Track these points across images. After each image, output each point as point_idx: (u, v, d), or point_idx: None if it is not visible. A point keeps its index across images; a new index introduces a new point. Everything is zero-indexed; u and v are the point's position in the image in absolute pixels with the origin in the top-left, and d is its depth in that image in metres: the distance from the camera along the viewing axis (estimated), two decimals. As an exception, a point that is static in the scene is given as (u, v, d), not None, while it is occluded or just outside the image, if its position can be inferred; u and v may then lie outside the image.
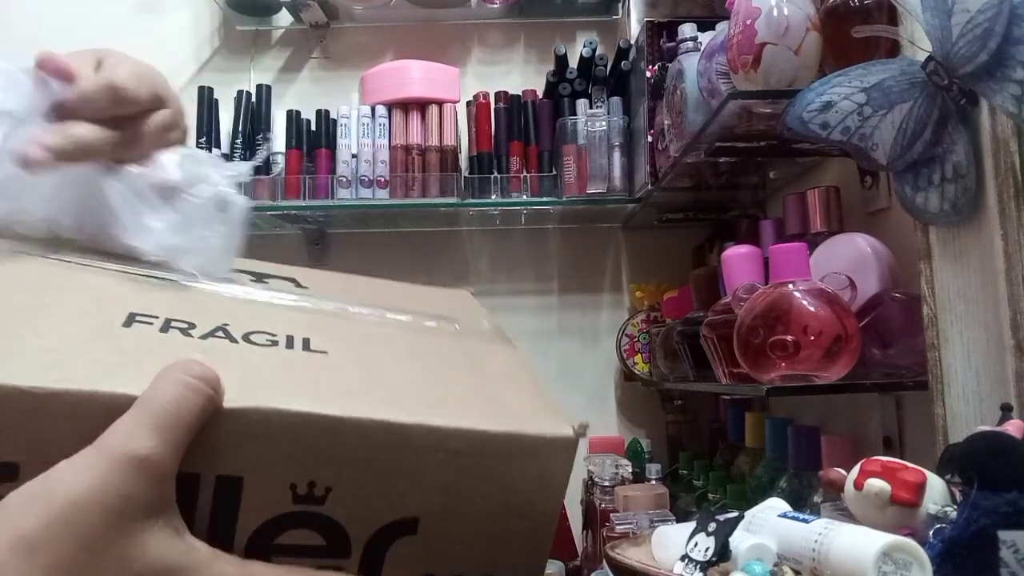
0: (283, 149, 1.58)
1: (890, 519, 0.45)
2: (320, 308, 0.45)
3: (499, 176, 1.56)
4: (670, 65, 1.21)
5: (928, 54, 0.66)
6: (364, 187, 1.54)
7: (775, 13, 0.85)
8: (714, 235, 1.57)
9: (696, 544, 0.49)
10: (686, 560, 0.49)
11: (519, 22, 1.77)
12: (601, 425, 1.67)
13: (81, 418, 0.29)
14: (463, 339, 0.47)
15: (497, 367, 0.44)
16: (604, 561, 0.64)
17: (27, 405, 0.29)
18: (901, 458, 0.48)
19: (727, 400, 1.43)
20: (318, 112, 1.59)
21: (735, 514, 0.50)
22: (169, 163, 0.44)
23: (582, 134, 1.51)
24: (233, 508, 0.32)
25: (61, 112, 0.41)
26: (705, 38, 1.11)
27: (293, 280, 0.48)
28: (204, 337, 0.37)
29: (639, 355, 1.60)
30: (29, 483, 0.29)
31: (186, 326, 0.37)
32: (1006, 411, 0.53)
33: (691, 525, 0.51)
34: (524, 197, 1.56)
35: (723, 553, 0.47)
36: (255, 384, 0.33)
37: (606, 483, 1.22)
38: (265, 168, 1.56)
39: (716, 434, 1.52)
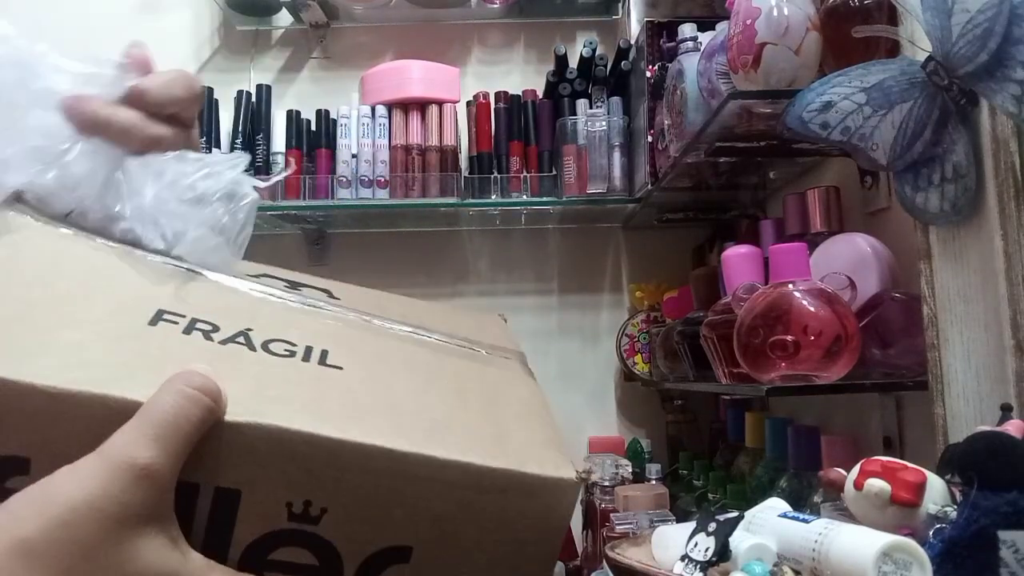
0: (283, 149, 1.58)
1: (890, 519, 0.45)
2: (347, 319, 0.45)
3: (499, 176, 1.56)
4: (670, 65, 1.21)
5: (928, 54, 0.66)
6: (364, 187, 1.54)
7: (775, 13, 0.85)
8: (714, 235, 1.57)
9: (696, 544, 0.49)
10: (686, 560, 0.49)
11: (519, 22, 1.77)
12: (601, 425, 1.67)
13: (92, 420, 0.30)
14: (485, 365, 0.47)
15: (512, 399, 0.44)
16: (604, 561, 0.63)
17: (41, 403, 0.29)
18: (901, 458, 0.48)
19: (727, 400, 1.43)
20: (318, 112, 1.60)
21: (735, 514, 0.50)
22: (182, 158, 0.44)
23: (582, 134, 1.51)
24: (230, 521, 0.32)
25: (128, 99, 0.44)
26: (705, 38, 1.11)
27: (327, 291, 0.48)
28: (224, 342, 0.37)
29: (639, 355, 1.60)
30: (31, 487, 0.29)
31: (210, 328, 0.37)
32: (1006, 411, 0.53)
33: (691, 525, 0.51)
34: (524, 197, 1.56)
35: (723, 553, 0.47)
36: (261, 398, 0.34)
37: (606, 483, 1.22)
38: (265, 168, 1.56)
39: (716, 434, 1.52)
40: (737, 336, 0.86)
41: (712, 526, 0.49)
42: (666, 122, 1.25)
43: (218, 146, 1.59)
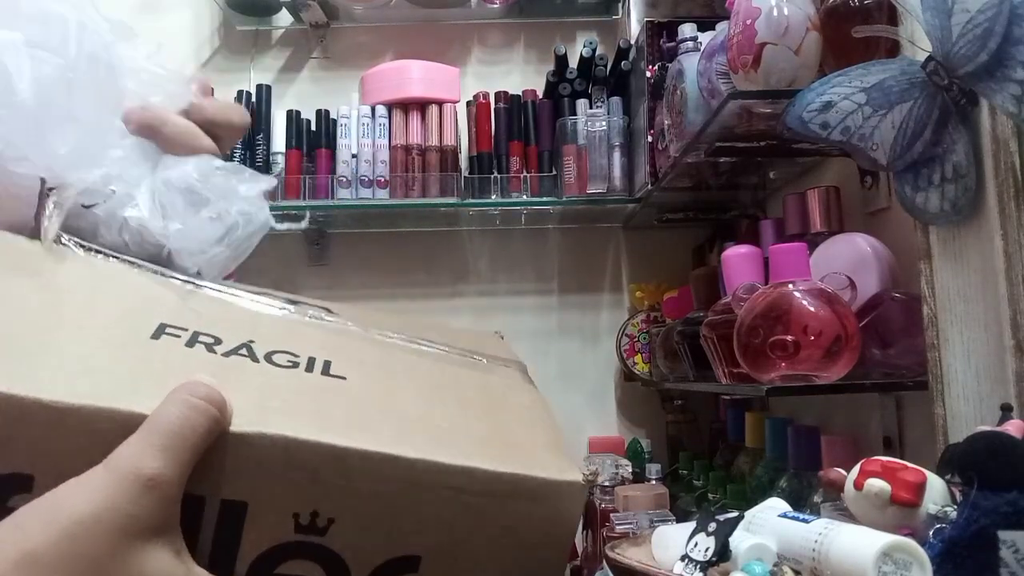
0: (283, 149, 1.58)
1: (890, 519, 0.45)
2: (348, 330, 0.45)
3: (499, 176, 1.56)
4: (670, 65, 1.21)
5: (928, 54, 0.66)
6: (364, 187, 1.54)
7: (775, 13, 0.85)
8: (714, 235, 1.57)
9: (696, 544, 0.49)
10: (686, 560, 0.49)
11: (519, 22, 1.77)
12: (601, 425, 1.67)
13: (97, 434, 0.30)
14: (487, 374, 0.47)
15: (516, 406, 0.44)
16: (604, 561, 0.63)
17: (44, 418, 0.29)
18: (901, 458, 0.48)
19: (727, 400, 1.43)
20: (318, 112, 1.60)
21: (735, 514, 0.50)
22: (202, 169, 0.45)
23: (582, 134, 1.51)
24: (236, 534, 0.32)
25: (187, 112, 0.47)
26: (705, 38, 1.11)
27: (326, 308, 0.48)
28: (227, 355, 0.37)
29: (639, 355, 1.60)
30: (38, 499, 0.29)
31: (212, 341, 0.37)
32: (1006, 411, 0.53)
33: (691, 525, 0.51)
34: (524, 197, 1.56)
35: (723, 553, 0.47)
36: (266, 409, 0.33)
37: (606, 483, 1.22)
38: (265, 168, 1.56)
39: (716, 434, 1.52)
40: (737, 336, 0.86)
41: (712, 526, 0.49)
42: (666, 122, 1.25)
43: (218, 146, 1.59)
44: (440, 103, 1.57)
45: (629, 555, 0.55)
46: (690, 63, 1.11)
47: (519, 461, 0.36)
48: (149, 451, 0.30)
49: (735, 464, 1.25)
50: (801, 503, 0.81)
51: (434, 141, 1.56)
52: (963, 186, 0.67)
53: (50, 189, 0.40)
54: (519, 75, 1.75)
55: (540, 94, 1.63)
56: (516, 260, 1.73)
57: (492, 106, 1.60)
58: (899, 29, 0.74)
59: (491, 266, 1.73)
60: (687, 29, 1.19)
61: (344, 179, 1.54)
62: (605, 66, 1.57)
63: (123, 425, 0.30)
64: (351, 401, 0.37)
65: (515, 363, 0.52)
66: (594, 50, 1.56)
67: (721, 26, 1.02)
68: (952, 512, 0.44)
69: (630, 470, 1.26)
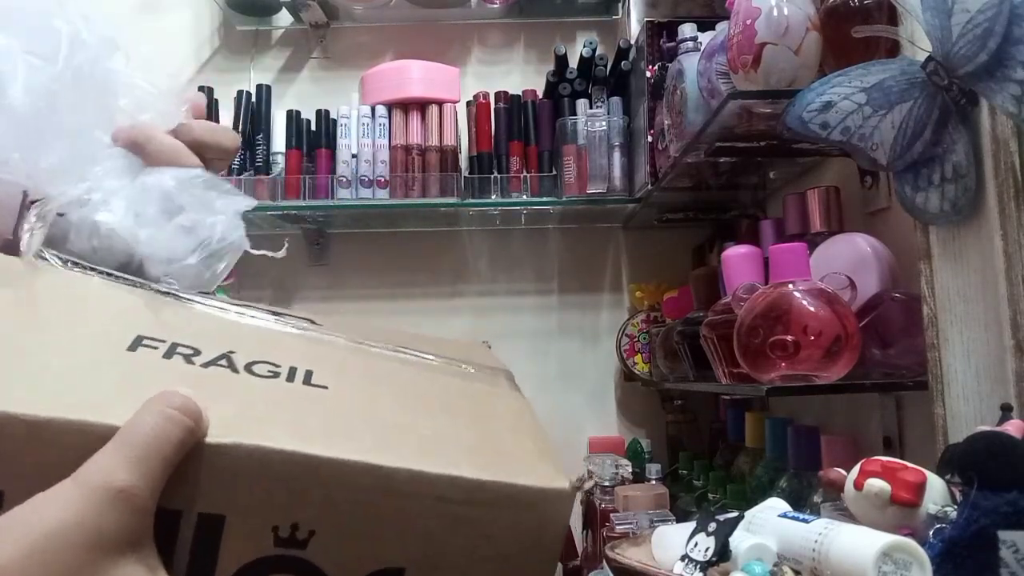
0: (283, 149, 1.58)
1: (890, 519, 0.45)
2: (331, 340, 0.44)
3: (499, 176, 1.56)
4: (670, 65, 1.21)
5: (928, 54, 0.66)
6: (364, 187, 1.54)
7: (775, 13, 0.85)
8: (714, 235, 1.57)
9: (696, 544, 0.49)
10: (686, 560, 0.49)
11: (519, 22, 1.77)
12: (601, 425, 1.67)
13: (70, 448, 0.29)
14: (473, 381, 0.46)
15: (502, 413, 0.43)
16: (604, 561, 0.64)
17: (16, 432, 0.29)
18: (901, 458, 0.48)
19: (727, 400, 1.44)
20: (318, 112, 1.60)
21: (735, 514, 0.50)
22: (180, 178, 0.45)
23: (582, 134, 1.51)
24: (213, 549, 0.31)
25: (176, 131, 0.49)
26: (705, 38, 1.11)
27: (309, 319, 0.47)
28: (206, 365, 0.36)
29: (639, 355, 1.60)
30: (6, 514, 0.28)
31: (191, 352, 0.36)
32: (1006, 411, 0.53)
33: (691, 525, 0.51)
34: (524, 197, 1.56)
35: (723, 553, 0.47)
36: (245, 419, 0.33)
37: (606, 483, 1.22)
38: (265, 168, 1.56)
39: (716, 434, 1.52)
40: (737, 336, 0.86)
41: (712, 526, 0.49)
42: (666, 122, 1.25)
43: (218, 146, 1.58)
44: (440, 103, 1.57)
45: (629, 555, 0.55)
46: (690, 63, 1.11)
47: (504, 468, 0.36)
48: (121, 463, 0.29)
49: (735, 464, 1.25)
50: (801, 503, 0.81)
51: (434, 141, 1.56)
52: (963, 186, 0.67)
53: (32, 202, 0.40)
54: (519, 75, 1.75)
55: (540, 94, 1.63)
56: (516, 260, 1.73)
57: (492, 106, 1.60)
58: (899, 29, 0.74)
59: (491, 266, 1.73)
60: (687, 29, 1.19)
61: (344, 179, 1.54)
62: (605, 66, 1.57)
63: (96, 438, 0.29)
64: (332, 410, 0.36)
65: (502, 371, 0.51)
66: (594, 50, 1.56)
67: (721, 26, 1.02)
68: (952, 512, 0.44)
69: (630, 470, 1.26)
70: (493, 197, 1.56)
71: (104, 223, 0.41)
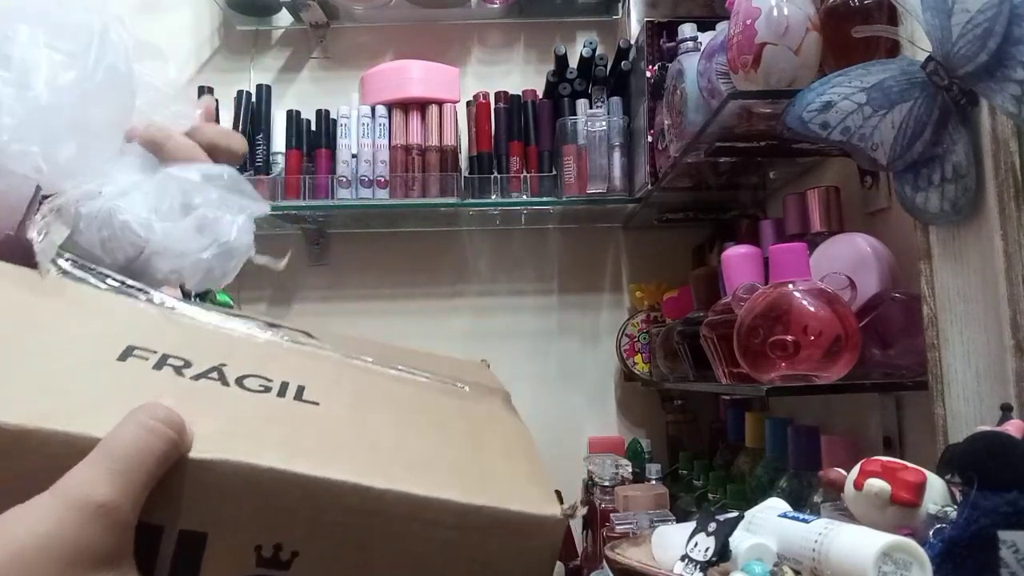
0: (283, 149, 1.58)
1: (890, 519, 0.45)
2: (325, 355, 0.44)
3: (499, 176, 1.56)
4: (670, 65, 1.21)
5: (928, 54, 0.66)
6: (364, 187, 1.54)
7: (775, 13, 0.85)
8: (714, 235, 1.57)
9: (696, 544, 0.49)
10: (686, 560, 0.49)
11: (519, 22, 1.77)
12: (601, 425, 1.67)
13: (53, 458, 0.28)
14: (468, 401, 0.46)
15: (496, 436, 0.43)
16: (604, 561, 0.63)
17: (3, 440, 0.28)
18: (901, 458, 0.48)
19: (727, 400, 1.44)
20: (318, 112, 1.60)
21: (735, 514, 0.50)
22: (206, 174, 0.45)
23: (582, 134, 1.51)
24: (194, 567, 0.30)
25: (190, 132, 0.50)
26: (705, 38, 1.11)
27: (306, 332, 0.47)
28: (196, 378, 0.35)
29: (639, 355, 1.60)
30: None
31: (181, 364, 0.36)
32: (1006, 411, 0.53)
33: (691, 525, 0.51)
34: (524, 197, 1.56)
35: (723, 553, 0.47)
36: (231, 434, 0.32)
37: (606, 483, 1.22)
38: (265, 168, 1.56)
39: (716, 434, 1.52)
40: (737, 336, 0.86)
41: (712, 526, 0.49)
42: (666, 122, 1.25)
43: (218, 146, 1.59)
44: (440, 103, 1.57)
45: (629, 555, 0.55)
46: (690, 63, 1.11)
47: (495, 493, 0.35)
48: (101, 476, 0.28)
49: (735, 464, 1.25)
50: (801, 503, 0.81)
51: (434, 141, 1.56)
52: (963, 186, 0.67)
53: (44, 197, 0.40)
54: (519, 75, 1.75)
55: (540, 94, 1.63)
56: (516, 260, 1.73)
57: (492, 106, 1.60)
58: (899, 29, 0.74)
59: (491, 266, 1.73)
60: (687, 29, 1.19)
61: (344, 179, 1.54)
62: (605, 66, 1.57)
63: (81, 450, 0.29)
64: (322, 428, 0.36)
65: (499, 391, 0.50)
66: (594, 50, 1.56)
67: (721, 26, 1.02)
68: (952, 512, 0.44)
69: (630, 470, 1.26)
70: (493, 197, 1.56)
71: (118, 214, 0.41)
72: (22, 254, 0.38)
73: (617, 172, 1.50)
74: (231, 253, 0.44)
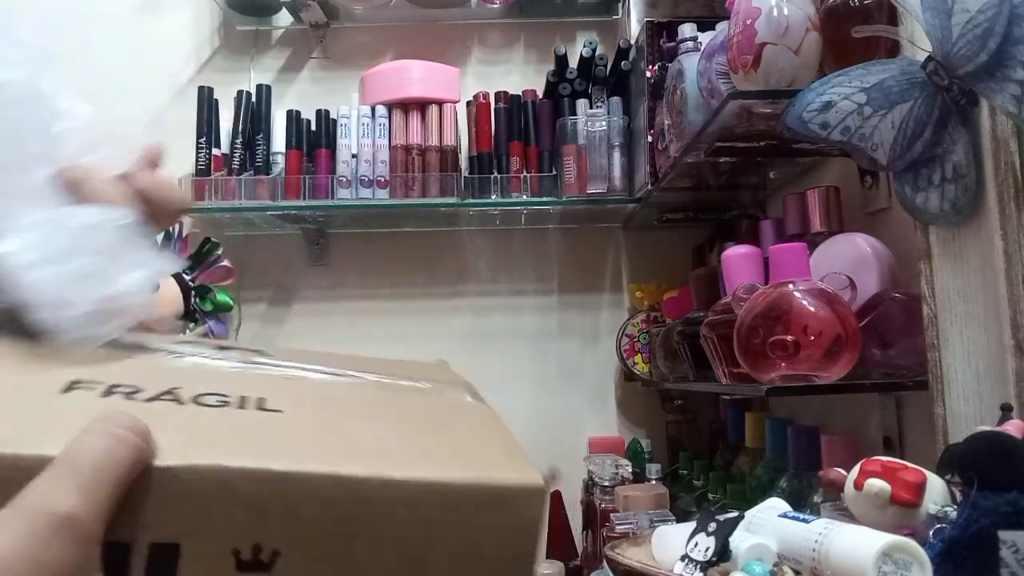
0: (283, 149, 1.58)
1: (890, 519, 0.46)
2: (282, 372, 0.43)
3: (499, 176, 1.56)
4: (670, 65, 1.21)
5: (928, 54, 0.66)
6: (364, 187, 1.54)
7: (775, 13, 0.85)
8: (714, 235, 1.57)
9: (696, 544, 0.49)
10: (686, 560, 0.49)
11: (519, 22, 1.77)
12: (601, 425, 1.67)
13: (2, 484, 0.27)
14: (432, 396, 0.45)
15: (465, 419, 0.42)
16: (604, 561, 0.63)
17: None
18: (901, 458, 0.48)
19: (727, 400, 1.44)
20: (318, 112, 1.60)
21: (735, 514, 0.50)
22: (104, 218, 0.42)
23: (582, 134, 1.51)
24: None
25: (122, 176, 0.46)
26: (705, 38, 1.11)
27: (259, 351, 0.46)
28: (149, 400, 0.34)
29: (639, 355, 1.60)
30: None
31: (131, 390, 0.34)
32: (1006, 411, 0.54)
33: (691, 525, 0.51)
34: (524, 197, 1.56)
35: (723, 553, 0.47)
36: (196, 443, 0.31)
37: (606, 483, 1.22)
38: (265, 168, 1.56)
39: (716, 434, 1.52)
40: (737, 336, 0.86)
41: (712, 526, 0.49)
42: (666, 122, 1.25)
43: (218, 146, 1.59)
44: (440, 103, 1.57)
45: (629, 555, 0.55)
46: (690, 63, 1.11)
47: (474, 469, 0.35)
48: (63, 487, 0.26)
49: (735, 464, 1.25)
50: (801, 503, 0.81)
51: (434, 141, 1.56)
52: (963, 186, 0.67)
53: None
54: (519, 75, 1.75)
55: (540, 94, 1.63)
56: (516, 260, 1.73)
57: (492, 106, 1.60)
58: (899, 29, 0.74)
59: (491, 266, 1.73)
60: (687, 29, 1.19)
61: (344, 179, 1.54)
62: (605, 66, 1.57)
63: (32, 472, 0.27)
64: (291, 428, 0.35)
65: (462, 384, 0.51)
66: (594, 50, 1.56)
67: (721, 26, 1.02)
68: (952, 512, 0.44)
69: (630, 470, 1.27)
70: (493, 197, 1.56)
71: None
72: None
73: (617, 172, 1.50)
74: (117, 312, 0.40)
